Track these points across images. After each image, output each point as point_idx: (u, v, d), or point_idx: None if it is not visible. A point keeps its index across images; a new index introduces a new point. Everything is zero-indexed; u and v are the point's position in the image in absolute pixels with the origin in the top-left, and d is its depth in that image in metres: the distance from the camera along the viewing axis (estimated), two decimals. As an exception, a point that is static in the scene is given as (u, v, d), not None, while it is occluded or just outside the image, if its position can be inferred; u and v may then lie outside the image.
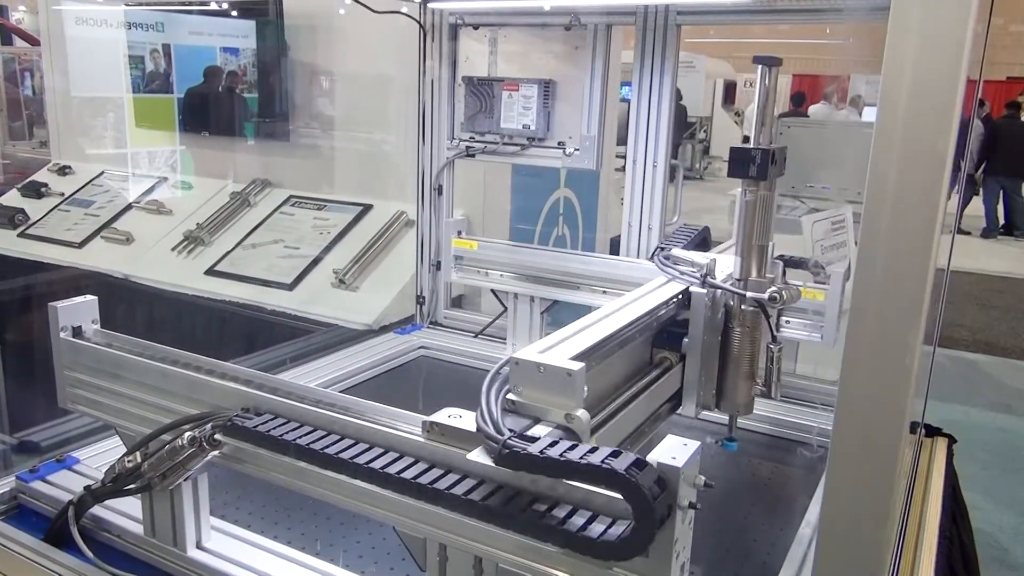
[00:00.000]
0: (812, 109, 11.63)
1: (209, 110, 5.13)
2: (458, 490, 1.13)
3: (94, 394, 1.63)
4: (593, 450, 1.07)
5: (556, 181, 4.60)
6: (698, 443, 1.12)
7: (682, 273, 1.82)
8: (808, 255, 2.56)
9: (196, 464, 1.43)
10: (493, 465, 1.09)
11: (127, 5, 5.03)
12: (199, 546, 1.58)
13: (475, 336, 2.93)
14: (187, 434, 1.39)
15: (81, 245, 4.64)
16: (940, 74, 0.83)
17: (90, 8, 5.24)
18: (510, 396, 1.27)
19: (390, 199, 3.68)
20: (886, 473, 0.91)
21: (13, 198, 5.17)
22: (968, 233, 11.13)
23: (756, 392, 1.78)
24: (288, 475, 1.32)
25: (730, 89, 16.41)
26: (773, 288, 1.68)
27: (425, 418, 1.25)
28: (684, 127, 13.62)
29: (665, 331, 1.74)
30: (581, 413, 1.20)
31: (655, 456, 1.07)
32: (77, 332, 1.66)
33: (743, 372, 1.76)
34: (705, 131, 14.38)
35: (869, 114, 10.86)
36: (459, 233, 2.86)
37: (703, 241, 2.42)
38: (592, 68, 2.62)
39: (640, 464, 1.03)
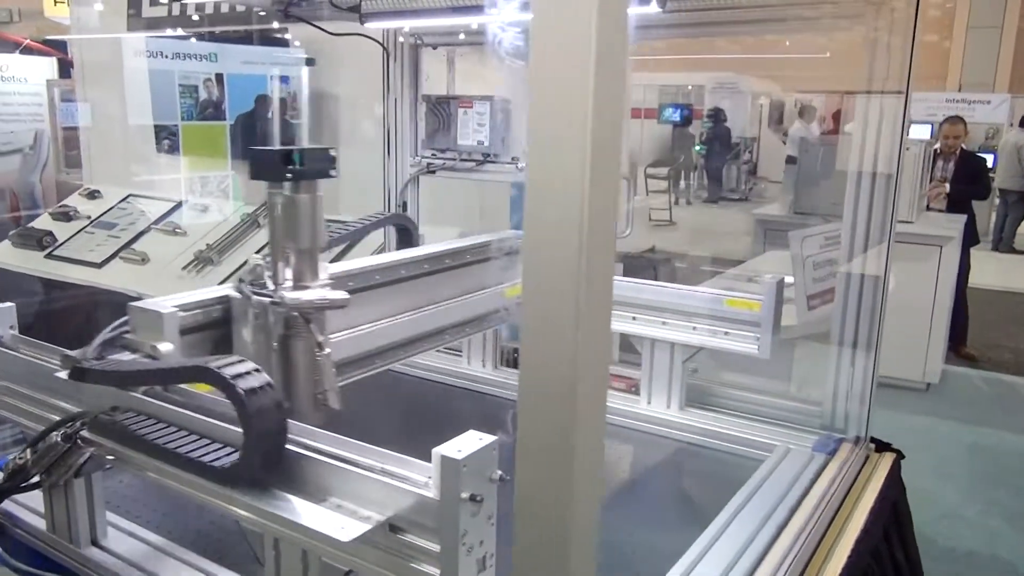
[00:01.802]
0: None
1: (255, 136, 5.33)
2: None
3: (9, 397, 1.73)
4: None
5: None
6: (495, 438, 1.14)
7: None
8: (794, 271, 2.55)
9: (76, 461, 1.50)
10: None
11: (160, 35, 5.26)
12: (94, 543, 1.65)
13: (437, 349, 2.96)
14: (61, 431, 1.46)
15: (101, 265, 4.84)
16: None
17: (144, 39, 5.50)
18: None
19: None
20: (563, 465, 0.89)
21: (44, 221, 5.45)
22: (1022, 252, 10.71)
23: (320, 401, 1.70)
24: (145, 470, 1.37)
25: (778, 109, 16.18)
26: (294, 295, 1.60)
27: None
28: (728, 148, 13.49)
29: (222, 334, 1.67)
30: (163, 346, 1.44)
31: (441, 448, 1.09)
32: (-3, 339, 1.76)
33: (299, 381, 1.67)
34: (750, 152, 14.19)
35: (916, 132, 10.60)
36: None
37: (404, 232, 2.36)
38: (541, 84, 2.65)
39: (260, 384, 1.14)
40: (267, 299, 1.61)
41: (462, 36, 2.82)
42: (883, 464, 2.29)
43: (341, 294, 1.68)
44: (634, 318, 2.45)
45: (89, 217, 5.28)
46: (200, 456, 1.19)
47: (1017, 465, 4.69)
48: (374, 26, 2.61)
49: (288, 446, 1.21)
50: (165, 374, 1.36)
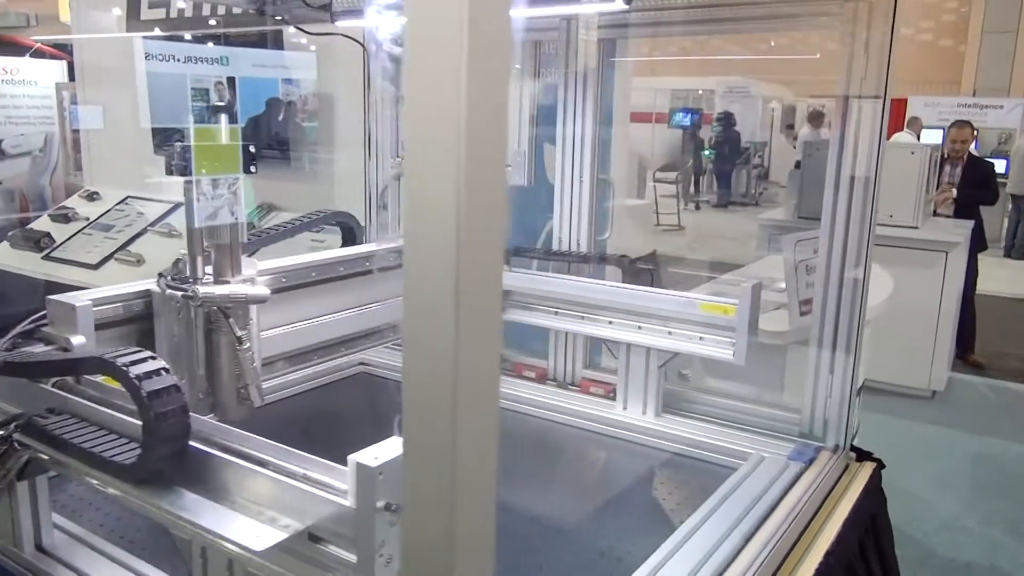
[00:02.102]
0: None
1: (267, 138, 5.33)
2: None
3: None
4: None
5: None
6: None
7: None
8: (784, 276, 2.50)
9: (15, 464, 1.47)
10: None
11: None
12: (38, 547, 1.62)
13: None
14: (-2, 433, 1.43)
15: (97, 267, 4.85)
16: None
17: (156, 43, 5.51)
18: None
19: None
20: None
21: (44, 223, 5.47)
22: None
23: (242, 396, 1.70)
24: (73, 471, 1.34)
25: (790, 113, 16.07)
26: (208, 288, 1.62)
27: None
28: (737, 153, 13.41)
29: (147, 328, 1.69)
30: (76, 339, 1.46)
31: (356, 456, 1.05)
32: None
33: (221, 377, 1.67)
34: (760, 156, 14.10)
35: (929, 136, 10.47)
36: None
37: (348, 232, 2.38)
38: (521, 84, 2.62)
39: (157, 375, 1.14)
40: (180, 293, 1.62)
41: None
42: (862, 474, 2.23)
43: (261, 289, 1.67)
44: (610, 322, 2.40)
45: (87, 219, 5.29)
46: (109, 453, 1.16)
47: (1021, 475, 4.60)
48: (346, 24, 2.59)
49: (212, 449, 1.18)
50: (64, 365, 1.35)
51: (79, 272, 4.75)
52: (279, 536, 1.07)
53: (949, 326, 5.84)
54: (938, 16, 14.70)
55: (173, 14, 5.34)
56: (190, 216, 1.64)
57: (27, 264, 5.05)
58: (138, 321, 1.69)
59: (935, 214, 6.23)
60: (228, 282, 1.65)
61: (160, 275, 1.70)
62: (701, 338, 2.26)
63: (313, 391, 2.71)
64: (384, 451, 1.05)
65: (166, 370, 1.17)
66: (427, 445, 0.81)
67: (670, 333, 2.31)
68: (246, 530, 1.08)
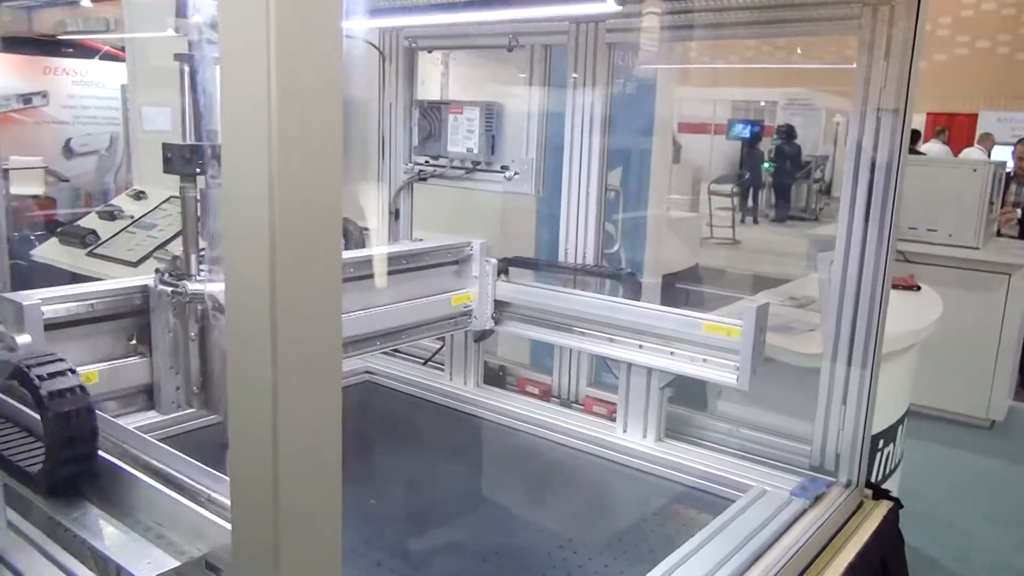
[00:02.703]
0: (926, 147, 10.82)
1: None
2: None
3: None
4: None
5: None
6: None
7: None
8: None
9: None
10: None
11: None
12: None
13: (423, 363, 2.86)
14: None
15: (136, 264, 4.91)
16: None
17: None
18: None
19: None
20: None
21: (91, 220, 5.59)
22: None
23: None
24: None
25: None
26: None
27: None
28: (798, 166, 13.04)
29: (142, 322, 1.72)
30: (21, 338, 1.43)
31: (250, 482, 0.97)
32: None
33: (213, 371, 1.68)
34: (822, 171, 13.68)
35: (1000, 153, 10.00)
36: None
37: (346, 234, 2.46)
38: (530, 90, 2.53)
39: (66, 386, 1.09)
40: (170, 288, 1.65)
41: (458, 40, 2.72)
42: (876, 513, 2.07)
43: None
44: (611, 339, 2.29)
45: (132, 217, 5.39)
46: (19, 460, 1.12)
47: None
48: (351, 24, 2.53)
49: (124, 463, 1.12)
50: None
51: (119, 269, 4.82)
52: (169, 564, 1.00)
53: (1011, 352, 5.53)
54: (1015, 29, 14.03)
55: (219, 18, 5.39)
56: (187, 217, 1.66)
57: (72, 260, 5.16)
58: (137, 315, 1.71)
59: (999, 234, 5.91)
60: (220, 280, 1.64)
61: (157, 271, 1.71)
62: (705, 360, 2.13)
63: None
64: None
65: (72, 371, 1.12)
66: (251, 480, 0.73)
67: (672, 354, 2.19)
68: (138, 555, 1.01)
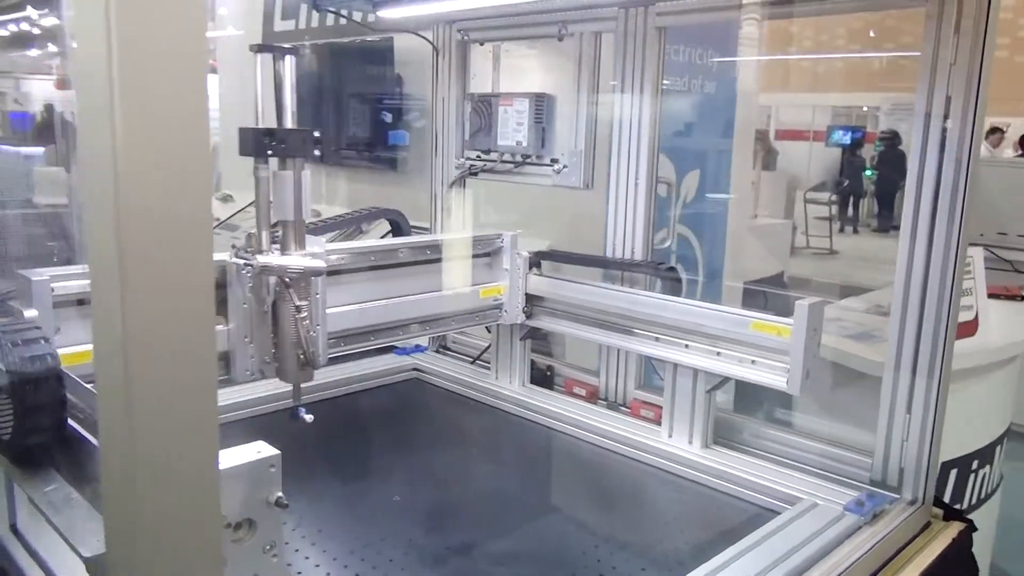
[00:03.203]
0: None
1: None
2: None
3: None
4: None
5: (663, 218, 4.29)
6: (275, 452, 0.96)
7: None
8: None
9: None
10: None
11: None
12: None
13: (471, 362, 2.80)
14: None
15: (218, 264, 5.05)
16: None
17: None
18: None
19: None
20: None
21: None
22: None
23: (301, 362, 1.80)
24: None
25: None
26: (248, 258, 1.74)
27: None
28: (902, 174, 12.35)
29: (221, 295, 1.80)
30: (28, 312, 1.47)
31: (233, 453, 0.93)
32: None
33: (283, 341, 1.79)
34: (930, 177, 12.89)
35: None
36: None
37: (396, 227, 2.57)
38: (579, 79, 2.44)
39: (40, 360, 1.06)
40: (243, 262, 1.74)
41: (509, 31, 2.65)
42: (945, 535, 1.87)
43: (316, 262, 1.77)
44: (656, 338, 2.17)
45: (218, 219, 5.57)
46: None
47: None
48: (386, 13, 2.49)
49: (88, 433, 1.09)
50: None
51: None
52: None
53: None
54: None
55: (302, 25, 5.55)
56: (259, 197, 1.75)
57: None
58: (216, 290, 1.71)
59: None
60: (288, 255, 1.76)
61: (233, 247, 1.81)
62: (753, 361, 1.99)
63: (366, 392, 2.64)
64: (235, 456, 0.92)
65: (46, 340, 1.10)
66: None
67: (719, 354, 2.05)
68: (89, 533, 0.98)
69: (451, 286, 2.25)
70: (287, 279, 1.72)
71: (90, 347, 1.65)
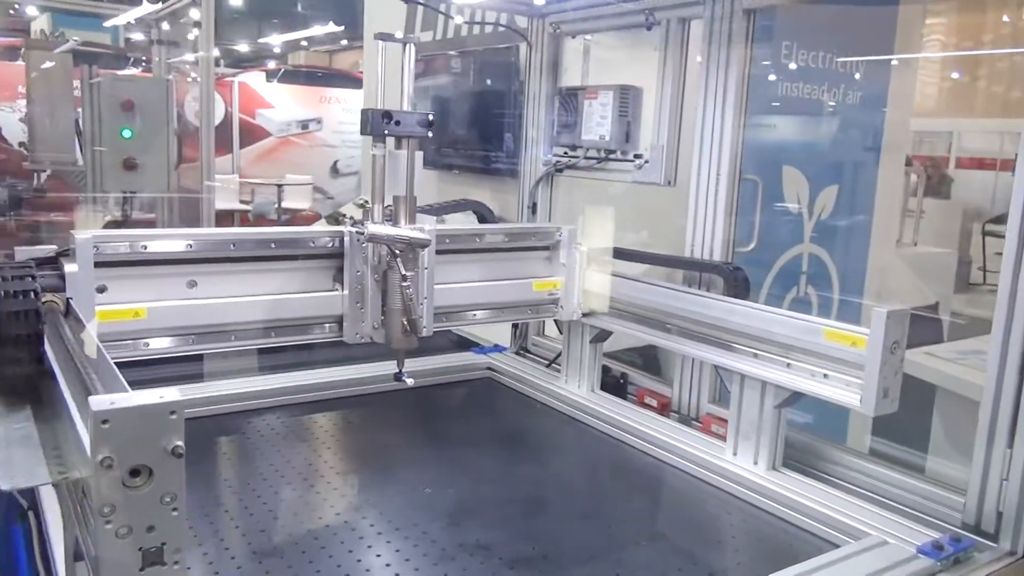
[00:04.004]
0: None
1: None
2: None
3: None
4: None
5: (797, 233, 4.01)
6: (179, 399, 0.91)
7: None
8: None
9: None
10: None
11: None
12: None
13: (547, 365, 2.69)
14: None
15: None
16: None
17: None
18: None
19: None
20: None
21: (320, 224, 6.12)
22: None
23: (404, 329, 1.91)
24: None
25: None
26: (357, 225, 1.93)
27: None
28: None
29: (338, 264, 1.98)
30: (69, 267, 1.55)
31: (97, 398, 0.90)
32: None
33: (390, 307, 1.92)
34: None
35: None
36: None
37: (481, 219, 2.62)
38: (664, 69, 2.30)
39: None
40: (355, 230, 1.93)
41: (599, 21, 2.55)
42: (1046, 594, 1.57)
43: (422, 235, 1.90)
44: (724, 346, 1.98)
45: (357, 221, 5.80)
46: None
47: None
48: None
49: (60, 374, 1.11)
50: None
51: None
52: (40, 480, 0.95)
53: None
54: None
55: (438, 35, 5.67)
56: (374, 169, 1.92)
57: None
58: (336, 258, 1.99)
59: None
60: (397, 227, 1.92)
61: (350, 218, 2.06)
62: (825, 375, 1.76)
63: (439, 386, 2.60)
64: (128, 398, 0.89)
65: (32, 277, 1.13)
66: None
67: (789, 365, 1.84)
68: (18, 468, 0.97)
69: (504, 277, 2.18)
70: (396, 250, 1.86)
71: (135, 305, 1.73)
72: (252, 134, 11.55)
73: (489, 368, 2.73)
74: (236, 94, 11.46)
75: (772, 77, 3.39)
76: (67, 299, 1.64)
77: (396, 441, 2.23)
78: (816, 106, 3.95)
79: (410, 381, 2.00)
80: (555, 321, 2.57)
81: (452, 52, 5.45)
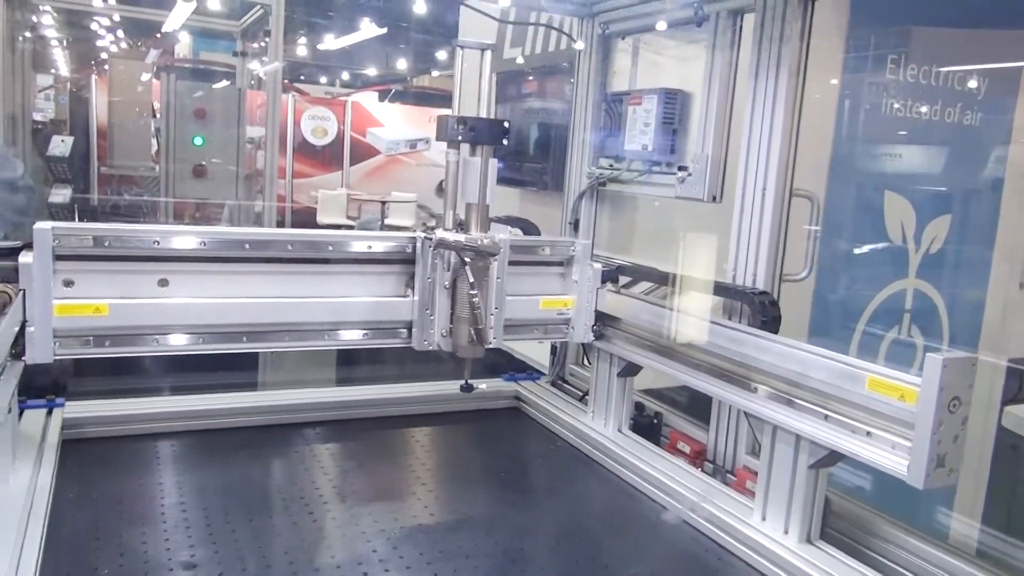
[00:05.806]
0: None
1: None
2: None
3: None
4: None
5: (901, 266, 3.58)
6: None
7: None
8: None
9: None
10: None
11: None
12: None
13: (579, 399, 2.43)
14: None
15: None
16: None
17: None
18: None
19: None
20: None
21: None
22: None
23: (471, 338, 1.85)
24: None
25: None
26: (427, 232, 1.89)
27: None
28: None
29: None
30: None
31: None
32: None
33: (459, 315, 1.87)
34: None
35: None
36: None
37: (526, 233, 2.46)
38: (711, 69, 2.02)
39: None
40: (424, 235, 1.89)
41: (648, 19, 2.30)
42: None
43: (492, 243, 1.84)
44: (754, 388, 1.67)
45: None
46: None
47: None
48: None
49: None
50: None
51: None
52: None
53: None
54: None
55: (527, 51, 5.51)
56: (449, 179, 1.88)
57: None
58: (409, 263, 1.95)
59: None
60: (468, 234, 1.86)
61: (422, 224, 2.03)
62: (868, 433, 1.44)
63: (463, 413, 2.39)
64: None
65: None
66: None
67: (827, 417, 1.51)
68: None
69: (509, 292, 1.96)
70: (465, 258, 1.82)
71: (99, 301, 1.63)
72: (362, 152, 11.77)
73: (517, 398, 2.50)
74: (349, 113, 11.72)
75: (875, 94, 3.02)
76: (20, 290, 1.56)
77: (390, 474, 2.02)
78: (924, 125, 3.53)
79: (483, 386, 1.99)
80: (585, 351, 2.32)
81: (528, 68, 5.29)
